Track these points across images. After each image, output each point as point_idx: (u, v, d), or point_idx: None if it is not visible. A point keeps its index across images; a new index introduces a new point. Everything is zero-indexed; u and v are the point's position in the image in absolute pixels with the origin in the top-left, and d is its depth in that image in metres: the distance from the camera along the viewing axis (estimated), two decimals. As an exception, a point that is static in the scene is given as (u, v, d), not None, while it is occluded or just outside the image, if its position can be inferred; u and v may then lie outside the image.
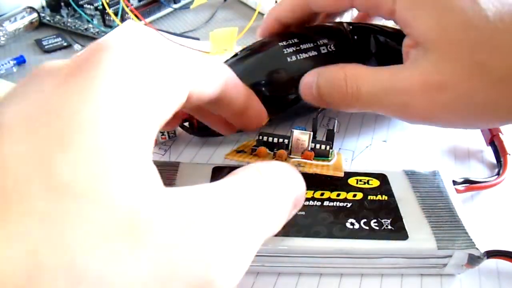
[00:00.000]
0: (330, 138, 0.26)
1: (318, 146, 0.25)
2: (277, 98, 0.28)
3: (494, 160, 0.30)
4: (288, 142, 0.25)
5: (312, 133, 0.25)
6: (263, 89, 0.27)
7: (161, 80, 0.14)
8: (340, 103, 0.25)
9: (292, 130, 0.25)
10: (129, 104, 0.12)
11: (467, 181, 0.27)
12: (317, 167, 0.24)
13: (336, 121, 0.29)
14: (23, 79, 0.13)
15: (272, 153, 0.25)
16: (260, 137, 0.25)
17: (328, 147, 0.25)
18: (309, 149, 0.25)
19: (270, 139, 0.25)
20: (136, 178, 0.12)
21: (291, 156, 0.25)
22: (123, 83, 0.12)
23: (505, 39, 0.21)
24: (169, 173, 0.25)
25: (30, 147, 0.10)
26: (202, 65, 0.17)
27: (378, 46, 0.29)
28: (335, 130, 0.27)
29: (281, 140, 0.25)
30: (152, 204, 0.12)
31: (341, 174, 0.24)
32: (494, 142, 0.30)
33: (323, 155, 0.25)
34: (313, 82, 0.25)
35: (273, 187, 0.15)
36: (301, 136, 0.25)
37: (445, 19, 0.22)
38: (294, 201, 0.16)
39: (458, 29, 0.22)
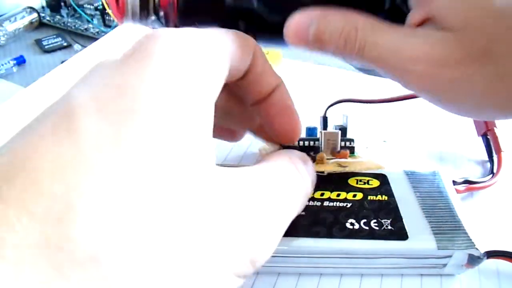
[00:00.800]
0: (343, 134, 0.26)
1: (342, 143, 0.25)
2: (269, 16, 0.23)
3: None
4: (318, 144, 0.25)
5: (341, 131, 0.25)
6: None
7: (206, 57, 0.15)
8: (342, 54, 0.23)
9: (322, 131, 0.25)
10: (182, 79, 0.14)
11: (467, 181, 0.27)
12: (359, 164, 0.24)
13: (346, 117, 0.29)
14: (85, 72, 0.15)
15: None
16: None
17: (352, 143, 0.25)
18: (340, 148, 0.25)
19: (301, 143, 0.25)
20: (192, 152, 0.13)
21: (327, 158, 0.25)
22: (174, 62, 0.14)
23: None
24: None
25: (101, 120, 0.12)
26: (236, 39, 0.18)
27: None
28: (345, 126, 0.26)
29: (310, 143, 0.25)
30: (204, 180, 0.13)
31: (384, 167, 0.24)
32: (487, 136, 0.30)
33: (351, 152, 0.25)
34: (312, 25, 0.22)
35: (300, 174, 0.18)
36: (332, 136, 0.25)
37: (471, 3, 0.21)
38: (312, 186, 0.19)
39: (481, 16, 0.21)
